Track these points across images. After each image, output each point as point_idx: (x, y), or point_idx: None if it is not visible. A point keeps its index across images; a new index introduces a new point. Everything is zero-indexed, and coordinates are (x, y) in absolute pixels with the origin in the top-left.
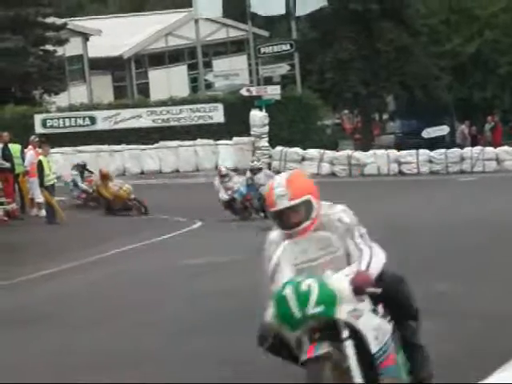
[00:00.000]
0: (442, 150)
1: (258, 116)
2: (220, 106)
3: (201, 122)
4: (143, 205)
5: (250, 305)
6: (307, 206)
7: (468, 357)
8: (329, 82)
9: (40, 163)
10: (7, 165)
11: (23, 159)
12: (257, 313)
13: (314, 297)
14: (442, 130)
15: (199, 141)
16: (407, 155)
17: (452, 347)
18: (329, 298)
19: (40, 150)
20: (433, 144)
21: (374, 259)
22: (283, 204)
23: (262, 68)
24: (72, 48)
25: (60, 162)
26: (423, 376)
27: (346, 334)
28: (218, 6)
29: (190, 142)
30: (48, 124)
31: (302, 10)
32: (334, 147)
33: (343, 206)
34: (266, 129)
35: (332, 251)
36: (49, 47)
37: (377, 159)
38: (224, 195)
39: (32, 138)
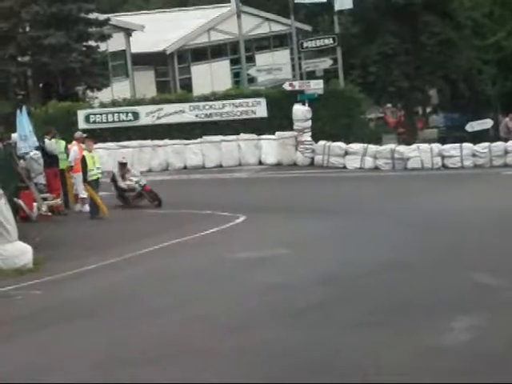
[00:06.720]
0: (486, 144)
1: (300, 110)
2: (263, 101)
3: (244, 116)
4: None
5: (299, 299)
6: None
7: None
8: (372, 76)
9: (84, 158)
10: (56, 152)
11: (67, 155)
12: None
13: None
14: (486, 124)
15: (242, 135)
16: (451, 149)
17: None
18: None
19: (84, 146)
20: (476, 137)
21: None
22: None
23: (304, 62)
24: (115, 44)
25: (103, 158)
26: None
27: None
28: None
29: (233, 137)
30: (91, 119)
31: (339, 5)
32: (378, 141)
33: None
34: (309, 123)
35: None
36: (92, 43)
37: (420, 153)
38: None
39: (76, 133)
